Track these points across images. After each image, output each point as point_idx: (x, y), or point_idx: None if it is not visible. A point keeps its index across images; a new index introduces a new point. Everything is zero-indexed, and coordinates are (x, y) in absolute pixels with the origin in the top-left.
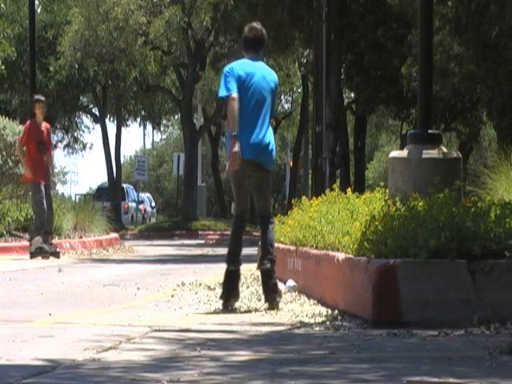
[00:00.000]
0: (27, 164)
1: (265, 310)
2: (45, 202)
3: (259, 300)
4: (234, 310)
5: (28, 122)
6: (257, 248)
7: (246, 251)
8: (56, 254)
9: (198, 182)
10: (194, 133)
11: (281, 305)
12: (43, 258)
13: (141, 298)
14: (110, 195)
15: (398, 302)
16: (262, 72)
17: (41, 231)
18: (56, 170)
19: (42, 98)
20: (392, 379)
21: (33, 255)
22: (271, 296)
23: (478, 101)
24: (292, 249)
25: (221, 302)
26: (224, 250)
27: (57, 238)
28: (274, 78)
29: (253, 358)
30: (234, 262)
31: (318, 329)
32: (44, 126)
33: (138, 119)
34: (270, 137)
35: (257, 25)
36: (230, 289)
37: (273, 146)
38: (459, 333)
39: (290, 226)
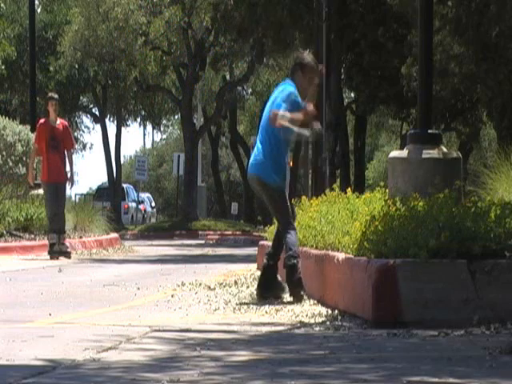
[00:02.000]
0: (42, 164)
1: (290, 303)
2: (54, 203)
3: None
4: (270, 301)
5: (40, 121)
6: (257, 248)
7: (246, 251)
8: (67, 254)
9: (198, 182)
10: (193, 133)
11: (281, 305)
12: (51, 258)
13: (141, 297)
14: (110, 195)
15: (398, 302)
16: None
17: (50, 231)
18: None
19: (55, 96)
20: (392, 379)
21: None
22: (296, 290)
23: (477, 101)
24: None
25: (253, 292)
26: (224, 250)
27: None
28: (281, 87)
29: (253, 358)
30: (273, 256)
31: (318, 329)
32: (60, 123)
33: (138, 119)
34: (268, 156)
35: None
36: (268, 282)
37: (270, 164)
38: (459, 333)
39: None
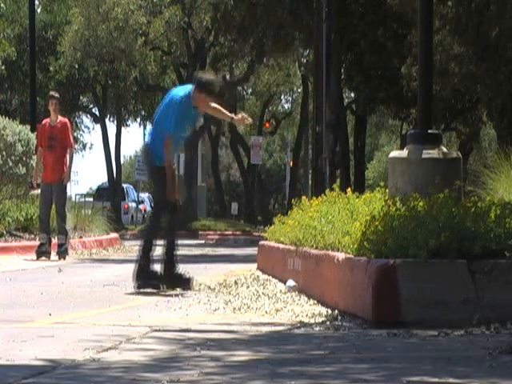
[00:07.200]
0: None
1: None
2: (44, 203)
3: (258, 300)
4: None
5: (42, 122)
6: (257, 248)
7: (246, 251)
8: (62, 255)
9: (198, 182)
10: (193, 133)
11: (281, 305)
12: (37, 258)
13: (141, 298)
14: (110, 195)
15: (398, 302)
16: None
17: (40, 232)
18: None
19: (56, 95)
20: (392, 379)
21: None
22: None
23: (477, 101)
24: (292, 249)
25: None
26: (224, 250)
27: (56, 238)
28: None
29: (253, 358)
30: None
31: (318, 329)
32: (59, 121)
33: (138, 119)
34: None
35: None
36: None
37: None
38: (459, 333)
39: (289, 226)
